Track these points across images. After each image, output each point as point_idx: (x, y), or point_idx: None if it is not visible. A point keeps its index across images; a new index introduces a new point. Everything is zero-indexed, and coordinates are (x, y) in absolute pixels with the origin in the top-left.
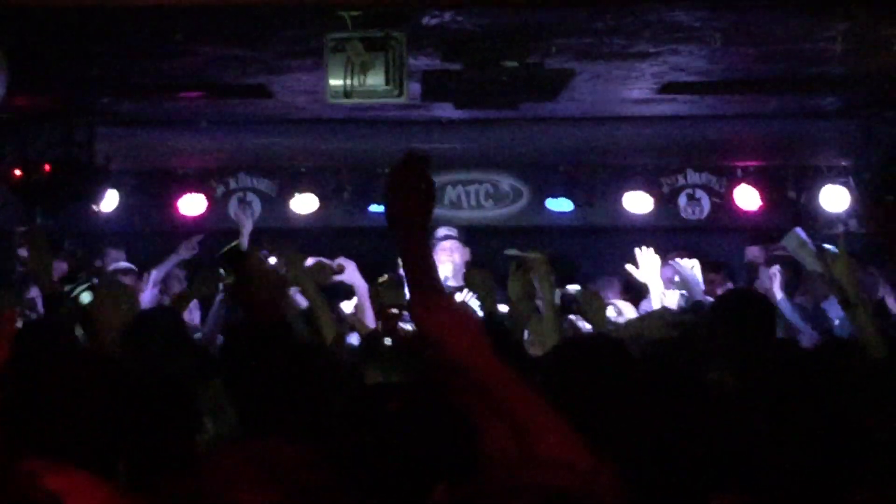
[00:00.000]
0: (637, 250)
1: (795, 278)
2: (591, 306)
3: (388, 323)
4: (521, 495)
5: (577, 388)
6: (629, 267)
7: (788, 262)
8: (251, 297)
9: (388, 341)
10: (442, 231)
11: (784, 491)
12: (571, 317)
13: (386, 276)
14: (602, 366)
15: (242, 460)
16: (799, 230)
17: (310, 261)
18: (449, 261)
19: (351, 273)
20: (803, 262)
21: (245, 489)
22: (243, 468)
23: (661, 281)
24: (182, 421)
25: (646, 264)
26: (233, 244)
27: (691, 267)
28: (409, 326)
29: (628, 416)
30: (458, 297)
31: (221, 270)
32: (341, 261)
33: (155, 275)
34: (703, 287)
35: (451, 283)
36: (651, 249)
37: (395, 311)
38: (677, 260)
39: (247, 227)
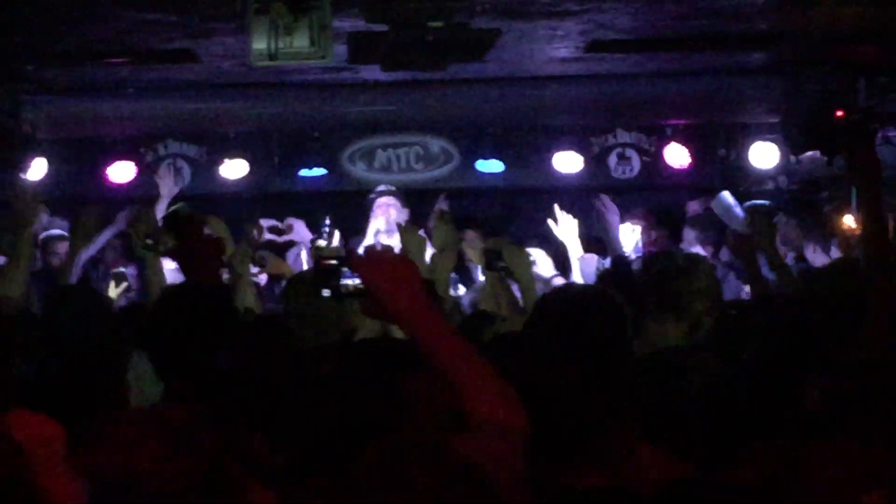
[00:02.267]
0: (556, 208)
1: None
2: (516, 262)
3: (326, 275)
4: (444, 457)
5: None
6: (550, 222)
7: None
8: (191, 260)
9: (325, 293)
10: (381, 187)
11: (704, 441)
12: None
13: (323, 242)
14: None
15: (138, 424)
16: (725, 195)
17: (262, 223)
18: (383, 215)
19: (300, 231)
20: (729, 224)
21: (140, 454)
22: (139, 432)
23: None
24: (102, 383)
25: (564, 224)
26: (176, 206)
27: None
28: (346, 280)
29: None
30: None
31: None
32: (290, 221)
33: (90, 251)
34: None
35: (384, 237)
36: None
37: (332, 262)
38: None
39: (166, 190)
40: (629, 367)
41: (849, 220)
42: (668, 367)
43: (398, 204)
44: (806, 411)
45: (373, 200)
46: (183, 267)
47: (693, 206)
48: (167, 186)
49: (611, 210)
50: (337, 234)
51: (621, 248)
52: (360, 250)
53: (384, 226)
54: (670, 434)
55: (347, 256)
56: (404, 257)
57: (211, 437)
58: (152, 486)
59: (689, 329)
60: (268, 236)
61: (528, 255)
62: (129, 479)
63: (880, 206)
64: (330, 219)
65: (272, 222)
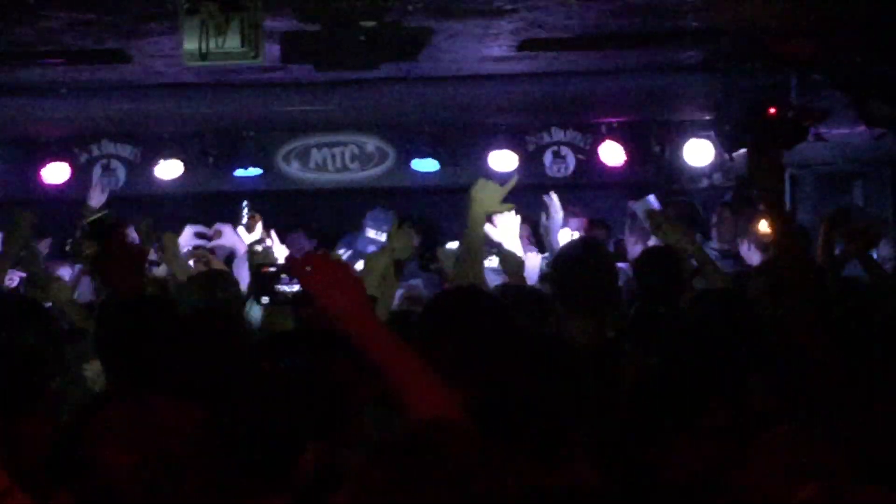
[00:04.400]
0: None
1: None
2: (450, 263)
3: (264, 282)
4: (388, 452)
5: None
6: (486, 225)
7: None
8: (112, 271)
9: (264, 300)
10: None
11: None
12: None
13: (260, 247)
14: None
15: (114, 420)
16: (650, 199)
17: (189, 230)
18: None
19: (229, 236)
20: (651, 228)
21: (113, 449)
22: (114, 427)
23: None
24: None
25: (502, 223)
26: (99, 215)
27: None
28: (285, 287)
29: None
30: None
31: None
32: (218, 226)
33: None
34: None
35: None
36: (512, 211)
37: (271, 269)
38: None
39: (95, 201)
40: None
41: (763, 225)
42: (587, 364)
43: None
44: (746, 406)
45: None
46: (102, 275)
47: (633, 205)
48: (96, 198)
49: (556, 209)
50: (259, 222)
51: (558, 245)
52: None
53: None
54: (601, 432)
55: (286, 263)
56: (342, 262)
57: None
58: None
59: (599, 324)
60: (196, 242)
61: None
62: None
63: (784, 209)
64: (248, 205)
65: (200, 228)
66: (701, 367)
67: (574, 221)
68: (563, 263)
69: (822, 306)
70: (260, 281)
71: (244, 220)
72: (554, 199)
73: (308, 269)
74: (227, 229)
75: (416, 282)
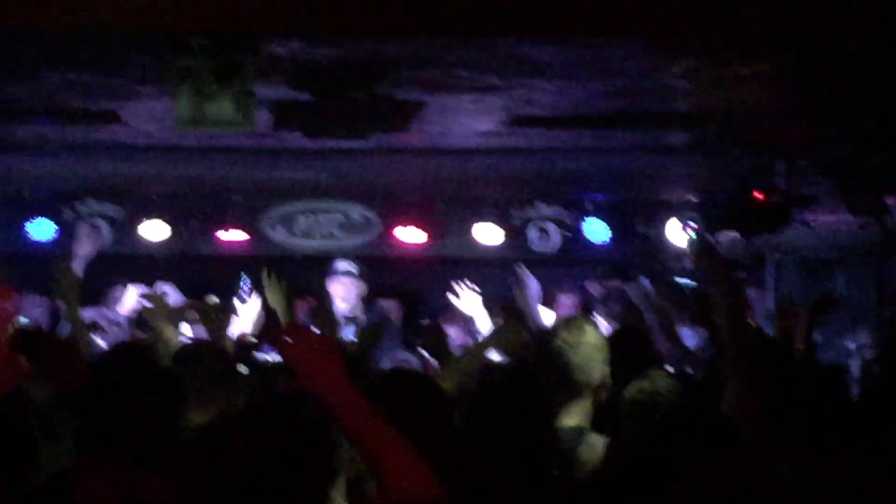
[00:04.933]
0: (456, 285)
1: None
2: (433, 341)
3: (244, 351)
4: None
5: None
6: (451, 297)
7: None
8: (57, 376)
9: (243, 368)
10: (342, 266)
11: None
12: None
13: (214, 299)
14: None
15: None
16: (644, 281)
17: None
18: (343, 296)
19: (173, 296)
20: (644, 311)
21: None
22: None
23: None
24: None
25: (466, 297)
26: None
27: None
28: (265, 356)
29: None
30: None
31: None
32: (162, 286)
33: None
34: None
35: (346, 313)
36: (467, 286)
37: (252, 339)
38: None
39: (83, 250)
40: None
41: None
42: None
43: (357, 282)
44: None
45: (333, 277)
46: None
47: (593, 287)
48: (84, 248)
49: (527, 278)
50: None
51: (539, 319)
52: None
53: (346, 305)
54: None
55: (266, 332)
56: (324, 336)
57: None
58: None
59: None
60: (142, 303)
61: (445, 333)
62: None
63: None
64: (249, 279)
65: (144, 289)
66: (658, 452)
67: (565, 298)
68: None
69: (795, 391)
70: (240, 349)
71: (244, 298)
72: (522, 270)
73: (287, 339)
74: (171, 289)
75: (406, 356)
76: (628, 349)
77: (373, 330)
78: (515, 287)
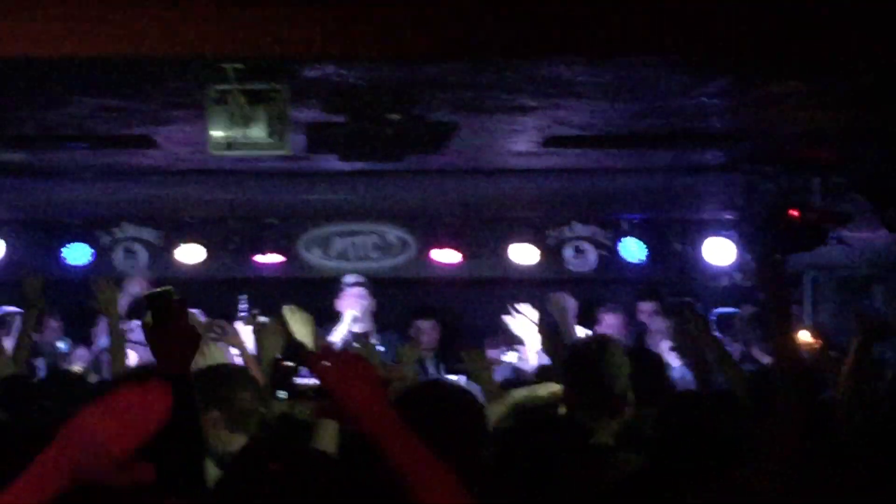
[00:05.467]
0: (511, 307)
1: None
2: (476, 366)
3: (282, 376)
4: None
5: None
6: (506, 318)
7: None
8: (165, 345)
9: (281, 394)
10: (351, 278)
11: None
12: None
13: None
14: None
15: None
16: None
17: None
18: (357, 305)
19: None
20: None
21: None
22: None
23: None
24: None
25: (523, 318)
26: (163, 289)
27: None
28: (303, 380)
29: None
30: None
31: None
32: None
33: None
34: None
35: (357, 328)
36: (528, 305)
37: (290, 364)
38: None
39: (133, 289)
40: None
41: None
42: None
43: (367, 294)
44: None
45: (343, 289)
46: (156, 350)
47: (644, 307)
48: (133, 286)
49: (564, 299)
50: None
51: (575, 336)
52: (336, 339)
53: (359, 317)
54: None
55: (304, 357)
56: (361, 357)
57: None
58: None
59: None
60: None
61: (486, 359)
62: None
63: (788, 317)
64: (248, 301)
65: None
66: (679, 469)
67: (611, 318)
68: (576, 361)
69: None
70: (278, 374)
71: (242, 315)
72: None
73: (325, 363)
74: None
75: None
76: (647, 369)
77: (410, 348)
78: (551, 304)
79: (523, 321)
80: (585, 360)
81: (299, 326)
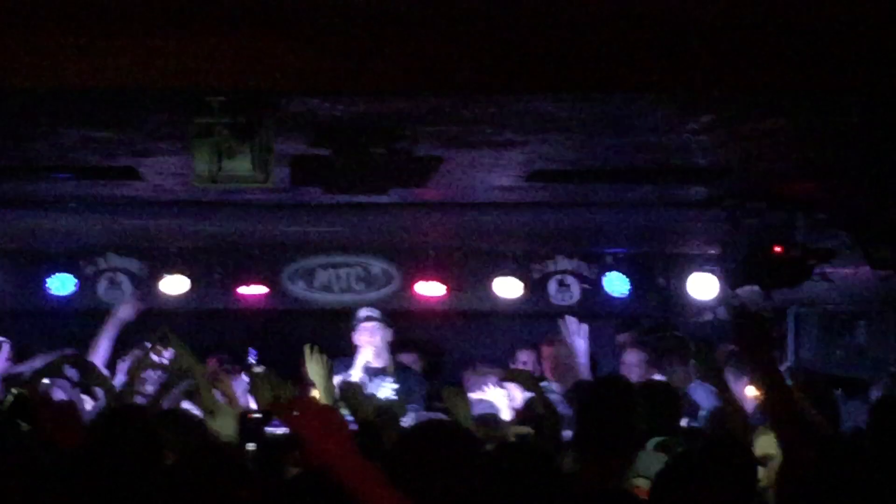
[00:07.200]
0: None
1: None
2: (455, 404)
3: (249, 429)
4: None
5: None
6: (476, 394)
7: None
8: (52, 436)
9: (250, 446)
10: (364, 312)
11: None
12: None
13: (261, 369)
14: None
15: None
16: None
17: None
18: (370, 343)
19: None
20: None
21: None
22: None
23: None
24: None
25: (492, 392)
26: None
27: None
28: (273, 430)
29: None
30: (381, 381)
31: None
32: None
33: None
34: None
35: (374, 364)
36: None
37: (257, 416)
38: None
39: (125, 314)
40: None
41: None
42: None
43: (382, 327)
44: None
45: (356, 325)
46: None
47: (621, 338)
48: (125, 312)
49: (575, 332)
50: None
51: (587, 373)
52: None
53: (372, 354)
54: None
55: (272, 408)
56: (330, 407)
57: None
58: None
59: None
60: None
61: (466, 397)
62: None
63: (776, 374)
64: (256, 353)
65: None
66: None
67: (630, 356)
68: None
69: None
70: (246, 427)
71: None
72: (572, 323)
73: (295, 414)
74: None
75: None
76: (658, 402)
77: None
78: (560, 346)
79: (493, 394)
80: (599, 404)
81: (314, 366)
